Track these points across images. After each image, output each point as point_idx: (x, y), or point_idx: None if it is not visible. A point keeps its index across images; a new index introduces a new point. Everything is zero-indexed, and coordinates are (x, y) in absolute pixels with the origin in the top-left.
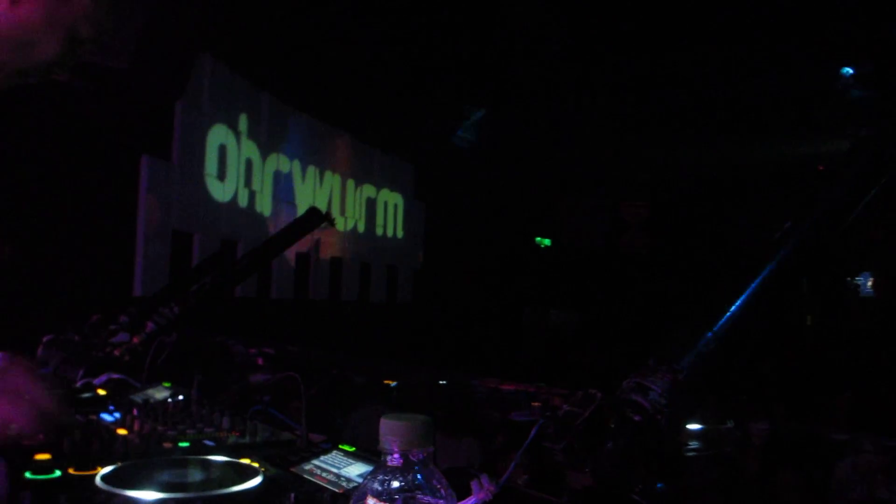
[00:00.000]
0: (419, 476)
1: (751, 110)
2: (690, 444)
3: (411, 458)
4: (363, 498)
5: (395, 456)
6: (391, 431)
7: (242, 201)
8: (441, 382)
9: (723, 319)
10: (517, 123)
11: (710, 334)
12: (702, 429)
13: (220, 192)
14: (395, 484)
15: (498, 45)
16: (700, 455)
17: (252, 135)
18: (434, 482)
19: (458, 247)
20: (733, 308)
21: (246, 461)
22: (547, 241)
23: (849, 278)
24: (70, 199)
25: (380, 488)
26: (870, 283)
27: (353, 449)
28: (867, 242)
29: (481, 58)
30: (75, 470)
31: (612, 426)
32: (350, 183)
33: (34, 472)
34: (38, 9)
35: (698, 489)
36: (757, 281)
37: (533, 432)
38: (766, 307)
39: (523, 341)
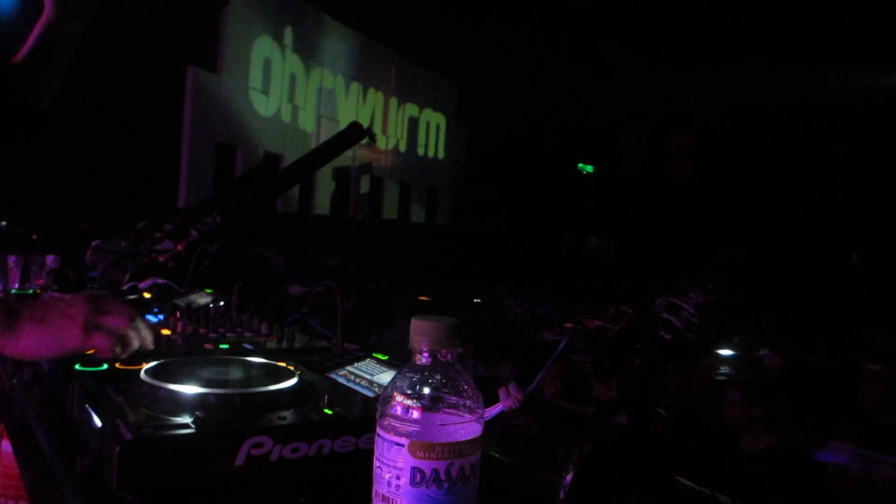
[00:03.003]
0: (447, 376)
1: (806, 38)
2: (721, 368)
3: (440, 358)
4: (391, 396)
5: (425, 355)
6: (421, 331)
7: (286, 116)
8: (476, 301)
9: (760, 242)
10: (562, 49)
11: (746, 256)
12: (733, 355)
13: (264, 106)
14: (423, 383)
15: None
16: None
17: (297, 48)
18: (462, 383)
19: (500, 170)
20: (772, 231)
21: (282, 364)
22: (590, 168)
23: None
24: (118, 111)
25: (407, 386)
26: None
27: (387, 357)
28: None
29: None
30: (121, 364)
31: (642, 343)
32: (393, 101)
33: (83, 365)
34: None
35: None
36: (795, 205)
37: (563, 344)
38: (808, 233)
39: (561, 267)
